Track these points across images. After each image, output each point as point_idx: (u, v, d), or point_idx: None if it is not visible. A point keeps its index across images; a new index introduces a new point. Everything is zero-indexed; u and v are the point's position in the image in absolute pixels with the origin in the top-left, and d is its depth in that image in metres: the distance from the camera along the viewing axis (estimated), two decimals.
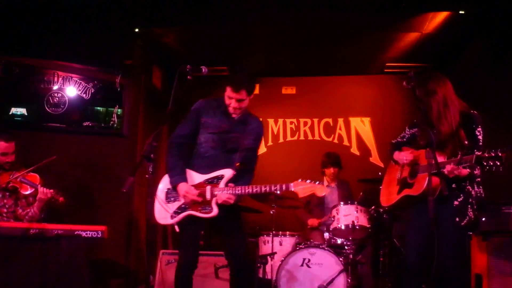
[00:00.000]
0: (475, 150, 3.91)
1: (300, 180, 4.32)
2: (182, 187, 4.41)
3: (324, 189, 4.32)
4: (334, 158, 7.11)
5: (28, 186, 5.37)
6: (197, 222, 4.47)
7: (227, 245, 4.61)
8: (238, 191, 4.34)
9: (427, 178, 4.04)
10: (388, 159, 4.90)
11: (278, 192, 4.35)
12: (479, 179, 4.26)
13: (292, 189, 4.33)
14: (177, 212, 4.45)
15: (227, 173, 4.43)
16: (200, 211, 4.40)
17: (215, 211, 4.37)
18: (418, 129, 4.51)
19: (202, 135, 4.55)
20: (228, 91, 4.41)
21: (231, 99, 4.42)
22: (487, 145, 4.07)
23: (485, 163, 3.80)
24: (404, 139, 4.67)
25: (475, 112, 4.30)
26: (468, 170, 4.06)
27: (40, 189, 5.28)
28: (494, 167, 3.77)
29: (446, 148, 4.17)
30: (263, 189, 4.32)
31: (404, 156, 4.51)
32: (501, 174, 5.96)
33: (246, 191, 4.34)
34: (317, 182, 4.31)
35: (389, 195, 4.77)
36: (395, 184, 4.70)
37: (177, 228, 4.45)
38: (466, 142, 4.16)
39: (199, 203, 4.40)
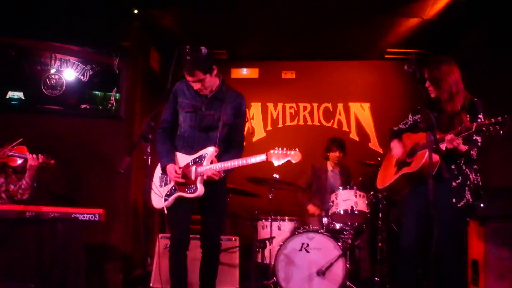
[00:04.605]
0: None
1: (276, 148, 4.28)
2: (168, 168, 4.54)
3: (299, 155, 4.25)
4: (340, 142, 7.11)
5: (17, 158, 5.38)
6: (185, 203, 4.54)
7: (202, 224, 4.68)
8: (218, 166, 4.40)
9: (425, 155, 4.08)
10: (387, 145, 4.87)
11: (253, 162, 4.34)
12: (476, 167, 4.27)
13: (266, 159, 4.30)
14: (168, 195, 4.58)
15: (210, 151, 4.49)
16: (186, 191, 4.49)
17: (199, 190, 4.45)
18: (420, 114, 4.50)
19: (180, 115, 4.68)
20: (186, 76, 4.49)
21: (193, 82, 4.50)
22: None
23: (485, 129, 3.78)
24: (407, 126, 4.68)
25: (477, 99, 4.30)
26: (466, 147, 4.07)
27: (30, 156, 5.31)
28: (494, 132, 3.75)
29: (449, 130, 4.12)
30: (240, 162, 4.36)
31: (395, 152, 4.60)
32: (498, 160, 6.00)
33: (224, 165, 4.39)
34: (292, 151, 4.26)
35: (385, 177, 4.78)
36: (393, 166, 4.69)
37: (165, 211, 4.54)
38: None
39: (185, 184, 4.50)
